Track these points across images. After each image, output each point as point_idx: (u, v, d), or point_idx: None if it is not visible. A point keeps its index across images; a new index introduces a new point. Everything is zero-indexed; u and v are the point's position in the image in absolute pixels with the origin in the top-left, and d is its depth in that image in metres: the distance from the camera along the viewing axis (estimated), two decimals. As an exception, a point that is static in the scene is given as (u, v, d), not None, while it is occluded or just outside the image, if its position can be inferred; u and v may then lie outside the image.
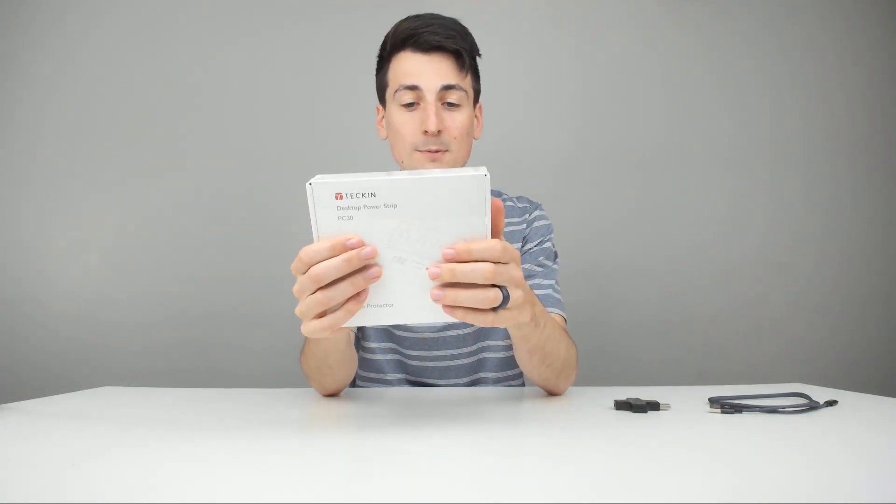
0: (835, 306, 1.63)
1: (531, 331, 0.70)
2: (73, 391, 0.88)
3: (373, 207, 0.51)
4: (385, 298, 0.54)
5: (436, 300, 0.52)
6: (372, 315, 0.54)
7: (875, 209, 1.65)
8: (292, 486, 0.40)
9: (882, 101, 1.66)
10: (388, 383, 0.98)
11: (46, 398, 0.81)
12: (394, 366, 0.98)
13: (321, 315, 0.53)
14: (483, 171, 0.51)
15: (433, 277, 0.52)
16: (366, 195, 0.50)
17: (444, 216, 0.51)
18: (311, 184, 0.50)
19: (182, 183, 1.64)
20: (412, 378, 0.98)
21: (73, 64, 1.65)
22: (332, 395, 0.83)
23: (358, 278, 0.52)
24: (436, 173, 0.51)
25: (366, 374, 1.00)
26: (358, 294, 0.52)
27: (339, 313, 0.53)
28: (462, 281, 0.52)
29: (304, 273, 0.52)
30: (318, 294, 0.52)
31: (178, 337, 1.60)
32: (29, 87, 1.65)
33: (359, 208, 0.51)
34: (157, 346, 1.60)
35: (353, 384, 1.01)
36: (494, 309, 0.54)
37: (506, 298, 0.53)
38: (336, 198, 0.51)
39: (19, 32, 1.65)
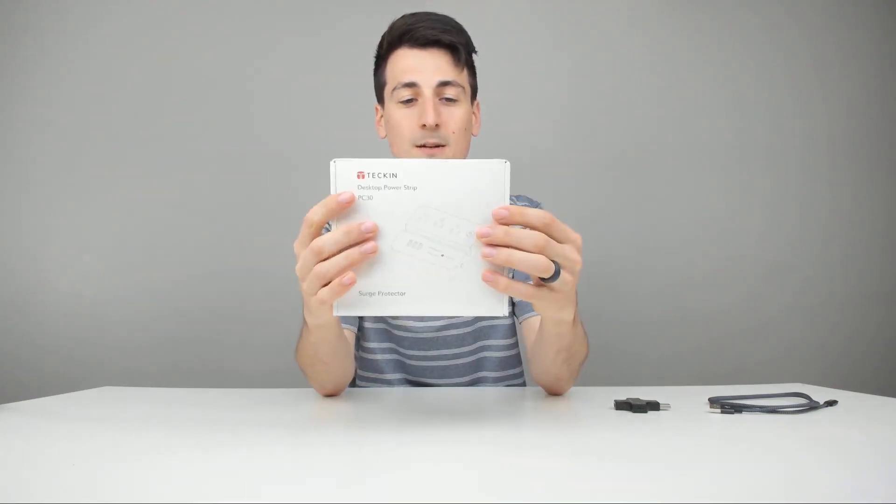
0: (835, 306, 1.63)
1: (569, 330, 0.68)
2: (73, 391, 0.88)
3: (393, 188, 0.52)
4: (397, 286, 0.53)
5: (486, 257, 0.51)
6: (384, 303, 0.53)
7: (875, 209, 1.65)
8: (292, 486, 0.40)
9: (882, 100, 1.66)
10: (388, 383, 0.98)
11: (46, 398, 0.81)
12: (393, 366, 0.98)
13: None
14: (504, 160, 0.53)
15: (482, 236, 0.51)
16: (387, 175, 0.52)
17: (463, 201, 0.52)
18: (335, 162, 0.52)
19: (181, 182, 1.64)
20: (412, 378, 0.98)
21: (72, 64, 1.65)
22: (332, 395, 0.83)
23: (354, 251, 0.51)
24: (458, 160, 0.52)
25: (365, 374, 1.00)
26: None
27: (330, 288, 0.52)
28: (513, 244, 0.51)
29: (307, 248, 0.52)
30: (317, 268, 0.52)
31: (178, 337, 1.60)
32: (28, 87, 1.64)
33: (379, 188, 0.52)
34: (156, 346, 1.60)
35: (353, 384, 1.01)
36: (543, 282, 0.53)
37: (556, 274, 0.52)
38: (358, 176, 0.52)
39: (19, 33, 1.65)
